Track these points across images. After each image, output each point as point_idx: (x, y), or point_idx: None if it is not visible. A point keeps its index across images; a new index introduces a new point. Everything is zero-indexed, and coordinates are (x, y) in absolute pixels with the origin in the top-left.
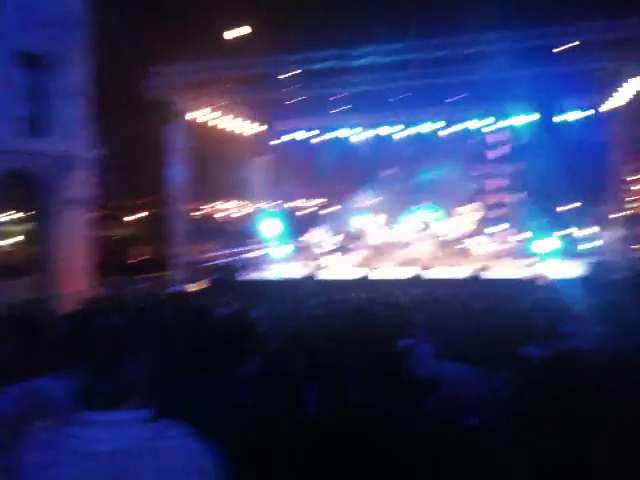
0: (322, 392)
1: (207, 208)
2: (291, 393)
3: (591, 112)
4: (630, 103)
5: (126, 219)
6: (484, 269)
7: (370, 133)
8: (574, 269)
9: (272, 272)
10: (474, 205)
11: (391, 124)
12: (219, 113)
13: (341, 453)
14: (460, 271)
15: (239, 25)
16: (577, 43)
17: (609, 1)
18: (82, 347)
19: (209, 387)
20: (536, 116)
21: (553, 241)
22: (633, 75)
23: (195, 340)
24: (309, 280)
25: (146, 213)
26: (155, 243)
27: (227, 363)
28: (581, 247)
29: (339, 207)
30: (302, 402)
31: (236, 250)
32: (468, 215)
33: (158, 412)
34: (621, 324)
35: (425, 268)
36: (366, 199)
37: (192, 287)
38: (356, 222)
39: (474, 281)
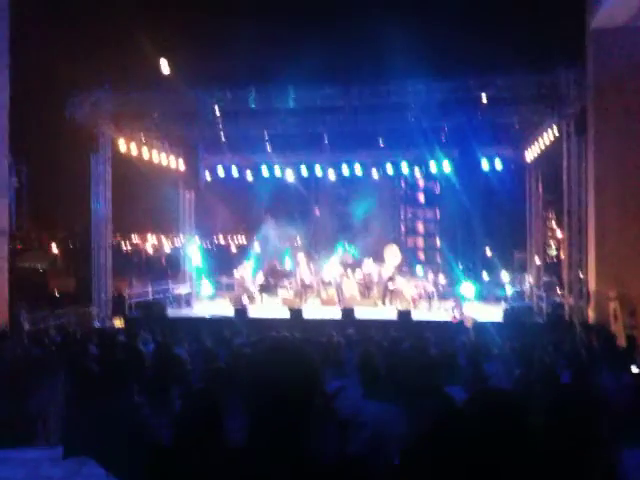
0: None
1: (133, 241)
2: (210, 431)
3: (513, 161)
4: (547, 154)
5: (48, 250)
6: (411, 310)
7: (300, 172)
8: (496, 312)
9: (200, 309)
10: (397, 247)
11: (322, 164)
12: (146, 145)
13: None
14: (388, 312)
15: (167, 60)
16: (498, 96)
17: (529, 57)
18: None
19: (124, 422)
20: (460, 164)
21: (477, 284)
22: (550, 128)
23: (117, 375)
24: (238, 318)
25: (69, 245)
26: (78, 276)
27: (150, 399)
28: (504, 291)
29: (266, 244)
30: (222, 439)
31: (163, 285)
32: (394, 257)
33: (69, 448)
34: (539, 366)
35: (351, 308)
36: (294, 237)
37: (117, 322)
38: (283, 260)
39: (402, 322)
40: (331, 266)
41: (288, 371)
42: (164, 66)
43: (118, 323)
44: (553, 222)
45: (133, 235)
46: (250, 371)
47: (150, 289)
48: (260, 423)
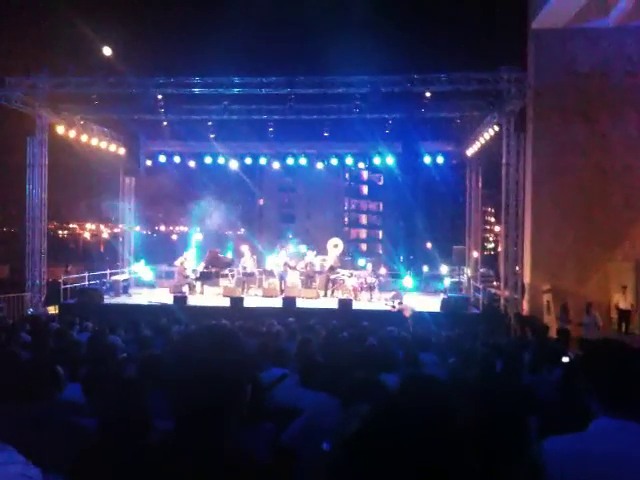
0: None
1: (70, 227)
2: (134, 426)
3: (455, 156)
4: (486, 150)
5: None
6: (352, 300)
7: (245, 161)
8: (434, 303)
9: (138, 297)
10: (338, 239)
11: (267, 154)
12: (85, 131)
13: None
14: (329, 302)
15: (108, 43)
16: (441, 91)
17: (472, 55)
18: None
19: (47, 412)
20: (403, 157)
21: (417, 276)
22: (490, 124)
23: (47, 363)
24: (177, 306)
25: (3, 229)
26: (11, 261)
27: (83, 388)
28: (442, 283)
29: (208, 233)
30: (146, 433)
31: (100, 272)
32: (337, 248)
33: None
34: (473, 355)
35: (293, 298)
36: (237, 227)
37: (51, 309)
38: (225, 249)
39: (343, 311)
40: (274, 256)
41: (216, 356)
42: (105, 50)
43: (52, 310)
44: (492, 217)
45: (72, 221)
46: (177, 355)
47: (87, 275)
48: (186, 409)
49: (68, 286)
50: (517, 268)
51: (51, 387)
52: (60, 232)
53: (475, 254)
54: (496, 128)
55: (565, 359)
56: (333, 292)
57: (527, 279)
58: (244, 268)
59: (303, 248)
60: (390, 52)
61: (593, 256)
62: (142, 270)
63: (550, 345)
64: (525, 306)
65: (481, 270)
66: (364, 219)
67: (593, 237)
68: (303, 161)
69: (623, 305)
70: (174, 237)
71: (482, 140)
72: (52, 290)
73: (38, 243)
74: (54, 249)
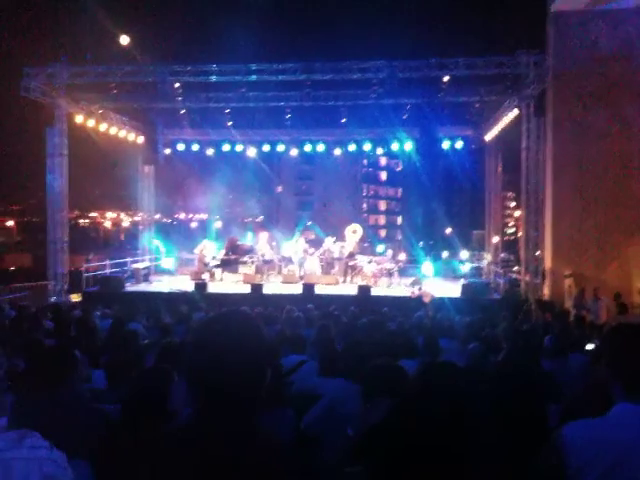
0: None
1: (91, 216)
2: (157, 409)
3: (474, 141)
4: (506, 134)
5: (2, 225)
6: (371, 286)
7: (263, 149)
8: (454, 289)
9: (158, 284)
10: (358, 225)
11: (284, 142)
12: (105, 119)
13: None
14: (348, 288)
15: (125, 32)
16: (459, 75)
17: (491, 38)
18: None
19: (74, 398)
20: (421, 143)
21: (436, 262)
22: (510, 109)
23: (69, 349)
24: (197, 293)
25: (24, 219)
26: (34, 251)
27: (105, 374)
28: (461, 268)
29: (227, 220)
30: (168, 418)
31: (121, 260)
32: (355, 234)
33: (14, 420)
34: (494, 341)
35: (312, 285)
36: (255, 214)
37: (73, 297)
38: (245, 236)
39: (362, 298)
40: (293, 243)
41: (234, 341)
42: (122, 39)
43: (75, 298)
44: (512, 202)
45: (93, 210)
46: (196, 341)
47: (108, 264)
48: (207, 393)
49: (90, 274)
50: (538, 253)
51: (70, 371)
52: (81, 221)
53: (495, 239)
54: (516, 111)
55: (589, 346)
56: (352, 278)
57: (548, 264)
58: (263, 255)
59: (321, 234)
60: (407, 36)
61: (614, 241)
62: (164, 259)
63: (570, 331)
64: (546, 291)
65: (501, 255)
66: (383, 205)
67: (614, 223)
68: (321, 147)
69: None
70: (193, 225)
71: (501, 124)
72: (74, 278)
73: (60, 232)
74: (76, 238)
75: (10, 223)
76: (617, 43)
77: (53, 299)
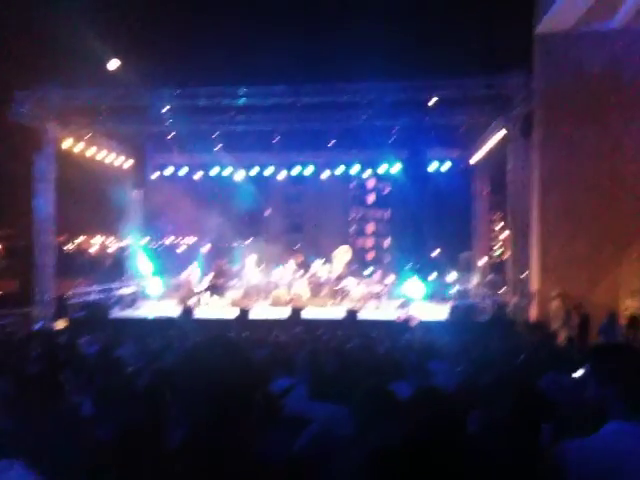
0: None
1: (77, 241)
2: (149, 433)
3: (461, 163)
4: (493, 156)
5: None
6: (358, 309)
7: (251, 172)
8: (442, 311)
9: (145, 310)
10: (348, 247)
11: (273, 165)
12: (92, 143)
13: None
14: (336, 311)
15: (115, 55)
16: (447, 97)
17: (478, 60)
18: None
19: (61, 423)
20: (409, 165)
21: (425, 284)
22: (497, 130)
23: (56, 376)
24: (184, 318)
25: (11, 244)
26: (20, 276)
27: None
28: (449, 290)
29: (216, 244)
30: (160, 441)
31: (108, 286)
32: (342, 256)
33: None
34: (481, 363)
35: (300, 308)
36: (243, 238)
37: (59, 324)
38: (232, 260)
39: (350, 321)
40: (282, 268)
41: (224, 367)
42: (112, 62)
43: (61, 324)
44: (499, 223)
45: (80, 235)
46: (186, 368)
47: (94, 290)
48: (198, 420)
49: (75, 300)
50: (525, 274)
51: (57, 399)
52: (68, 246)
53: (483, 260)
54: (503, 132)
55: (580, 372)
56: (341, 301)
57: (535, 285)
58: (250, 279)
59: (309, 257)
60: (394, 58)
61: (602, 261)
62: (152, 284)
63: (558, 352)
64: (534, 312)
65: (489, 276)
66: (370, 228)
67: (604, 242)
68: (309, 170)
69: (633, 311)
70: (182, 248)
71: (489, 145)
72: (60, 305)
73: (46, 258)
74: (61, 263)
75: (4, 246)
76: (604, 63)
77: (39, 325)
